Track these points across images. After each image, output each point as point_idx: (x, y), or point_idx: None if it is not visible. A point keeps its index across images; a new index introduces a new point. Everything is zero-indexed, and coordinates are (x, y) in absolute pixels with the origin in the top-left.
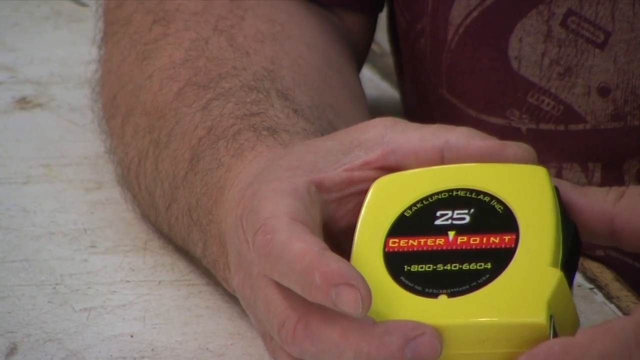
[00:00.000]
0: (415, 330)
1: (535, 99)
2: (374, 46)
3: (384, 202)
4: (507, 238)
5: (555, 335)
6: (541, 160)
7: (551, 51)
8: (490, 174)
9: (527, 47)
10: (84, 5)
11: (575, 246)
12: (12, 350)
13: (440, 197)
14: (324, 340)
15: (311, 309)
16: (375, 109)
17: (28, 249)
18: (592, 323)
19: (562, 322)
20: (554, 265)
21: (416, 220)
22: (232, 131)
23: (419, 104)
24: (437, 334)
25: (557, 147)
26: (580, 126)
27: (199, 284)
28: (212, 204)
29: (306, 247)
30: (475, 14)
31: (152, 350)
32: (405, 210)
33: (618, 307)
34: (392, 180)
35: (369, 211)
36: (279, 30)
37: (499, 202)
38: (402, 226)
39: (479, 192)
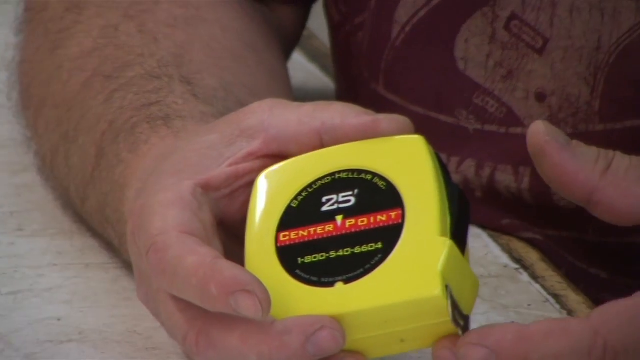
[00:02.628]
0: (314, 326)
1: (480, 100)
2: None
3: (270, 196)
4: (393, 214)
5: (454, 304)
6: (480, 160)
7: (495, 53)
8: (369, 151)
9: (473, 48)
10: None
11: (463, 210)
12: None
13: (323, 182)
14: (227, 348)
15: (210, 319)
16: (304, 91)
17: None
18: (518, 303)
19: (459, 288)
20: (443, 234)
21: (303, 209)
22: (130, 124)
23: (348, 95)
24: (337, 325)
25: (498, 148)
26: (519, 130)
27: (127, 266)
28: (118, 202)
29: (198, 259)
30: (422, 13)
31: (80, 333)
32: (291, 202)
33: (543, 286)
34: (275, 173)
35: (256, 208)
36: (194, 13)
37: (382, 178)
38: (290, 218)
39: (360, 172)
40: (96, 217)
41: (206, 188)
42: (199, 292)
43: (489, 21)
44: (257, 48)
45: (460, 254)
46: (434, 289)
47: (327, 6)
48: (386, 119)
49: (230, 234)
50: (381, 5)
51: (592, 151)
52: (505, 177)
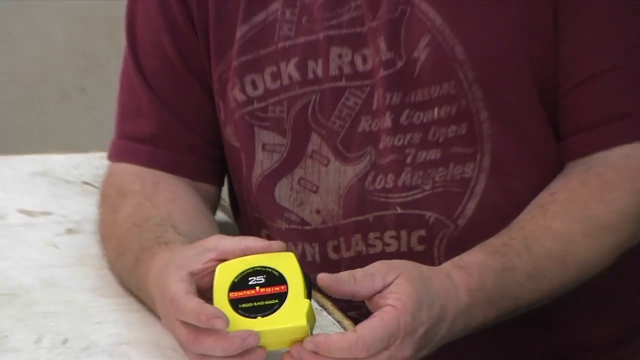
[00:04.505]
0: (245, 334)
1: (288, 215)
2: (223, 201)
3: (224, 276)
4: (282, 287)
5: (310, 331)
6: (294, 242)
7: (292, 194)
8: (270, 259)
9: (283, 191)
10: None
11: (310, 285)
12: None
13: (249, 271)
14: (206, 345)
15: (200, 332)
16: (226, 232)
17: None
18: (322, 329)
19: (310, 324)
20: (306, 297)
21: (240, 283)
22: (149, 246)
23: (247, 224)
24: (255, 334)
25: (299, 235)
26: (308, 227)
27: (154, 313)
28: (145, 284)
29: (195, 304)
30: (260, 178)
31: (137, 341)
32: (234, 279)
33: (333, 317)
34: (226, 265)
35: (217, 282)
36: (175, 197)
37: (276, 271)
38: (234, 286)
39: (266, 267)
40: (136, 291)
41: (192, 274)
42: (196, 319)
43: (289, 181)
44: (204, 212)
45: (312, 307)
46: (302, 321)
47: (230, 186)
48: (274, 244)
49: (201, 295)
50: (247, 175)
51: (347, 275)
52: (308, 249)
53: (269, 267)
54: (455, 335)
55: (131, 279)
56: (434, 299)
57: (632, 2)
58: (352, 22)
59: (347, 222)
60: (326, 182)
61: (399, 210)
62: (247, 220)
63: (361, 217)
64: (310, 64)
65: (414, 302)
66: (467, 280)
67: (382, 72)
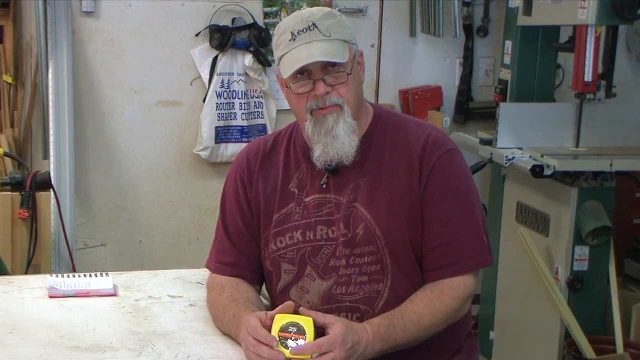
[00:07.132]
0: (278, 352)
1: (296, 291)
2: (263, 292)
3: (277, 324)
4: (304, 336)
5: (312, 356)
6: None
7: (298, 294)
8: (300, 319)
9: (293, 292)
10: None
11: (319, 335)
12: None
13: (289, 322)
14: (261, 349)
15: (261, 343)
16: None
17: None
18: None
19: (312, 355)
20: (314, 339)
21: (284, 327)
22: (239, 311)
23: (274, 305)
24: (283, 355)
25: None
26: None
27: (237, 343)
28: (236, 326)
29: (265, 333)
30: (282, 286)
31: (224, 357)
32: (281, 326)
33: None
34: (279, 316)
35: (274, 326)
36: (247, 290)
37: (302, 326)
38: (282, 330)
39: (297, 322)
40: (228, 330)
41: (261, 320)
42: (262, 338)
43: (296, 287)
44: (258, 298)
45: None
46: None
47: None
48: (303, 309)
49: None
50: (275, 284)
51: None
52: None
53: (299, 322)
54: (368, 356)
55: (228, 325)
56: (354, 335)
57: (465, 201)
58: (327, 214)
59: (323, 308)
60: (313, 289)
61: (348, 304)
62: (274, 303)
63: (329, 306)
64: (307, 233)
65: (346, 336)
66: (372, 328)
67: (341, 239)
